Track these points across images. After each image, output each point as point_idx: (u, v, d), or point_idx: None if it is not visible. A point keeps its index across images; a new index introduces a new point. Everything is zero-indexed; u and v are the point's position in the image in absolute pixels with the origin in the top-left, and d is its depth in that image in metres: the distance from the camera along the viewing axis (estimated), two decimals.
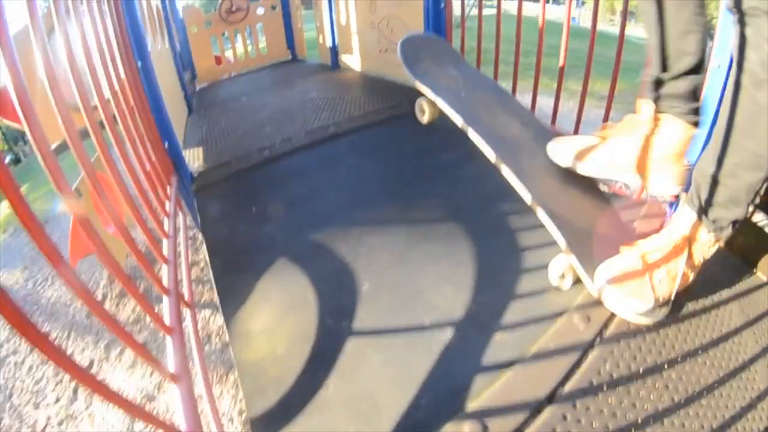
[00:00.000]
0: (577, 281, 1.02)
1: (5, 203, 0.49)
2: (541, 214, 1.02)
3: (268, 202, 1.47)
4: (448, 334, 0.95)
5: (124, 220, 0.90)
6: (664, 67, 0.99)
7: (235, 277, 1.19)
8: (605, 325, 0.92)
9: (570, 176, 1.21)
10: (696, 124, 1.02)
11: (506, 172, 1.08)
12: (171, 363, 0.76)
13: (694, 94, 1.00)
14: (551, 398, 0.80)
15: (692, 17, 0.92)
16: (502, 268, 1.13)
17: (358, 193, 1.51)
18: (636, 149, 1.08)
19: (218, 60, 3.84)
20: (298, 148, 1.78)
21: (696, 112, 1.01)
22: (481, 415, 0.77)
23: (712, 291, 1.02)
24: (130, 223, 0.97)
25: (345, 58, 3.16)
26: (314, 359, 0.93)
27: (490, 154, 1.12)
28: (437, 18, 2.10)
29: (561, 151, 1.20)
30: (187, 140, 2.10)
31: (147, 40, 1.50)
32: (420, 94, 1.43)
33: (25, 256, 3.00)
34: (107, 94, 1.03)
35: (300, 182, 1.58)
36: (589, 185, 1.23)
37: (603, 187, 1.26)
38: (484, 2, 2.14)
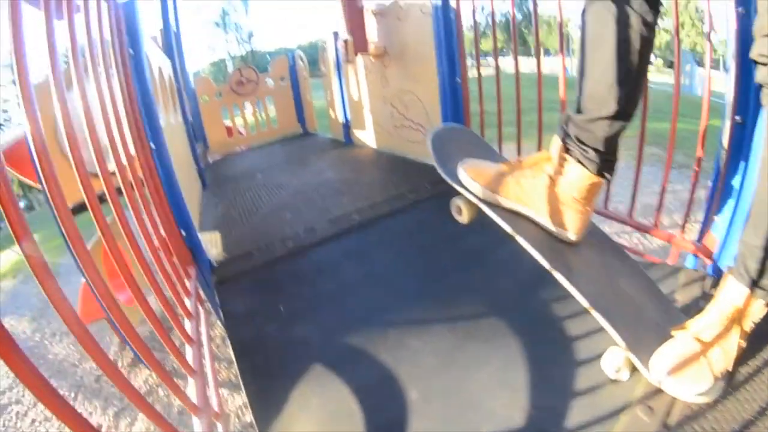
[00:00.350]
0: (634, 370, 0.96)
1: (17, 248, 0.48)
2: (598, 317, 0.95)
3: (296, 301, 1.38)
4: None
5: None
6: (580, 108, 0.96)
7: (266, 383, 1.08)
8: (668, 413, 0.86)
9: (605, 252, 1.16)
10: (601, 173, 0.99)
11: (558, 276, 1.01)
12: None
13: (608, 143, 0.96)
14: None
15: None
16: (554, 363, 1.04)
17: (391, 289, 1.42)
18: (541, 187, 1.05)
19: (229, 131, 3.90)
20: (323, 240, 1.72)
21: (605, 160, 0.98)
22: None
23: (759, 348, 0.96)
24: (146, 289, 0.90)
25: (358, 134, 3.19)
26: None
27: (539, 257, 1.06)
28: (454, 92, 2.12)
29: (473, 182, 1.14)
30: (203, 222, 2.04)
31: (160, 118, 1.47)
32: (456, 193, 1.39)
33: (33, 307, 2.95)
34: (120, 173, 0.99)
35: (328, 278, 1.49)
36: (622, 257, 1.18)
37: (635, 257, 1.21)
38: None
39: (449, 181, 1.27)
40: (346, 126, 3.31)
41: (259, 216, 2.03)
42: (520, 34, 16.06)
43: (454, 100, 2.12)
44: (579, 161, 0.99)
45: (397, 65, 2.51)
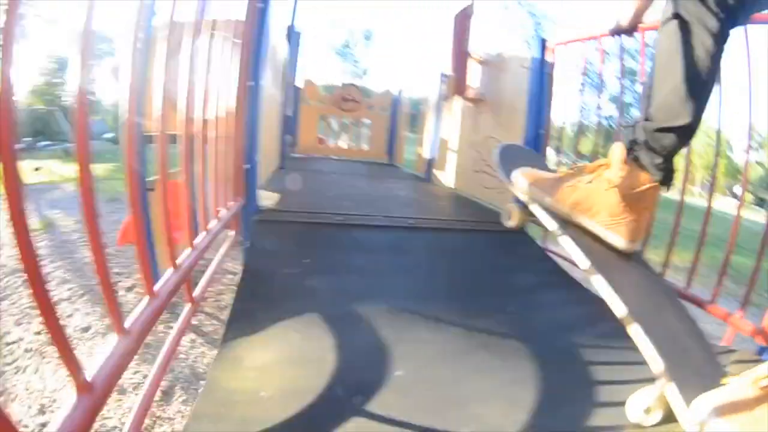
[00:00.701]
0: (664, 420, 0.82)
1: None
2: (637, 332, 0.85)
3: (323, 261, 1.39)
4: None
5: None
6: (650, 118, 0.98)
7: (256, 306, 1.07)
8: None
9: (655, 285, 1.09)
10: (663, 182, 1.01)
11: (598, 282, 0.94)
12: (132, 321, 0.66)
13: (672, 153, 0.99)
14: None
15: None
16: (570, 398, 0.92)
17: (421, 285, 1.39)
18: (599, 192, 1.05)
19: (321, 141, 4.19)
20: (372, 226, 1.74)
21: (668, 169, 1.00)
22: None
23: None
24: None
25: (438, 174, 3.26)
26: (299, 422, 0.75)
27: (581, 259, 1.00)
28: (536, 141, 2.14)
29: (523, 179, 1.16)
30: (269, 185, 2.17)
31: (264, 76, 1.63)
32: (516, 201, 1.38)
33: None
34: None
35: (363, 256, 1.49)
36: (672, 296, 1.10)
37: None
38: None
39: (502, 178, 1.27)
40: (429, 163, 3.41)
41: (321, 197, 2.12)
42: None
43: (535, 147, 2.14)
44: (643, 167, 1.01)
45: (491, 112, 2.59)
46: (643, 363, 0.91)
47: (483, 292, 1.42)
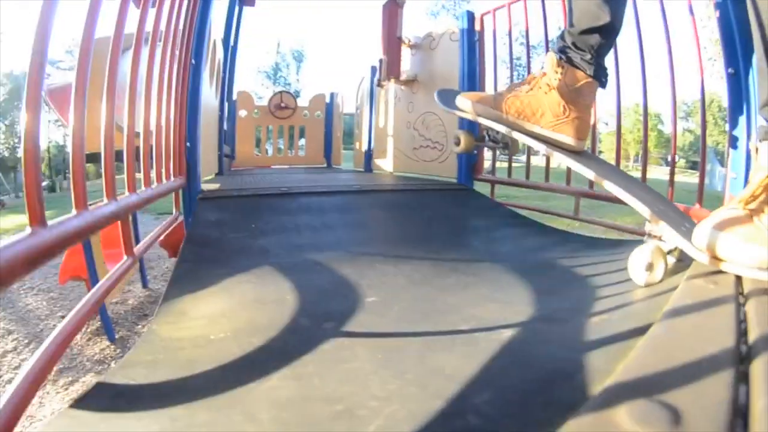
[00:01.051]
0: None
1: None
2: (614, 188, 0.87)
3: (271, 225, 1.29)
4: (513, 331, 0.67)
5: None
6: (573, 23, 1.02)
7: (202, 267, 0.96)
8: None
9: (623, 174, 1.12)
10: (597, 77, 1.04)
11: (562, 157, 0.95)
12: None
13: (601, 50, 1.03)
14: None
15: None
16: (558, 294, 0.88)
17: (377, 235, 1.33)
18: (540, 97, 1.06)
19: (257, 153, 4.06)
20: (318, 193, 1.65)
21: (599, 65, 1.04)
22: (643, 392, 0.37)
23: None
24: None
25: (378, 162, 3.25)
26: (263, 354, 0.63)
27: (537, 145, 1.00)
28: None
29: (466, 100, 1.16)
30: (209, 181, 2.04)
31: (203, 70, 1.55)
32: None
33: None
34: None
35: (312, 216, 1.40)
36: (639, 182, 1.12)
37: None
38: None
39: (446, 108, 1.25)
40: (368, 155, 3.39)
41: (262, 182, 2.02)
42: None
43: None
44: (575, 66, 1.04)
45: (425, 90, 2.62)
46: (619, 262, 0.91)
47: (441, 235, 1.38)
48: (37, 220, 0.49)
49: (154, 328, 0.71)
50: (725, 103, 1.21)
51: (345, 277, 0.94)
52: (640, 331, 0.55)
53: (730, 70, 1.17)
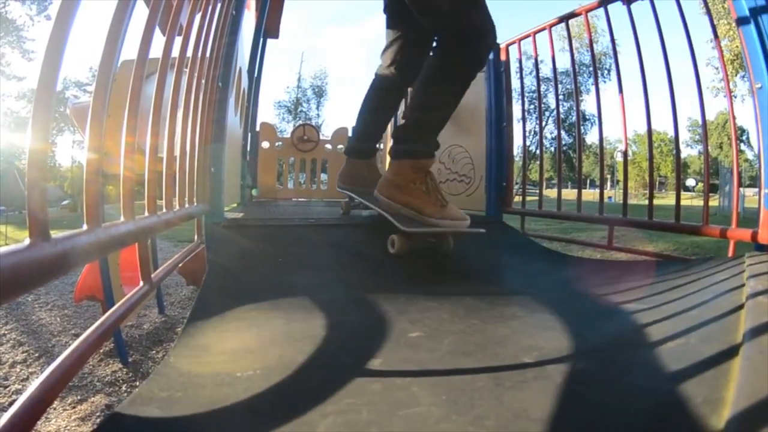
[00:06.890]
0: None
1: None
2: None
3: (298, 258, 1.24)
4: (585, 361, 0.61)
5: None
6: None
7: (225, 300, 0.89)
8: None
9: None
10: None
11: None
12: None
13: None
14: None
15: None
16: (617, 311, 0.85)
17: (416, 271, 1.26)
18: None
19: (279, 185, 4.07)
20: (347, 225, 1.61)
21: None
22: None
23: None
24: None
25: None
26: (298, 393, 0.55)
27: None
28: (499, 135, 2.14)
29: None
30: (232, 210, 2.02)
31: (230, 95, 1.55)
32: None
33: None
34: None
35: (341, 250, 1.35)
36: None
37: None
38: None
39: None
40: None
41: (286, 213, 1.98)
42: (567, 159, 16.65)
43: (499, 143, 2.13)
44: None
45: (450, 123, 2.60)
46: (662, 283, 0.83)
47: (478, 268, 1.32)
48: (39, 232, 0.43)
49: (171, 360, 0.65)
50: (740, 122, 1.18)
51: (383, 314, 0.87)
52: (727, 354, 0.55)
53: (757, 84, 1.15)
